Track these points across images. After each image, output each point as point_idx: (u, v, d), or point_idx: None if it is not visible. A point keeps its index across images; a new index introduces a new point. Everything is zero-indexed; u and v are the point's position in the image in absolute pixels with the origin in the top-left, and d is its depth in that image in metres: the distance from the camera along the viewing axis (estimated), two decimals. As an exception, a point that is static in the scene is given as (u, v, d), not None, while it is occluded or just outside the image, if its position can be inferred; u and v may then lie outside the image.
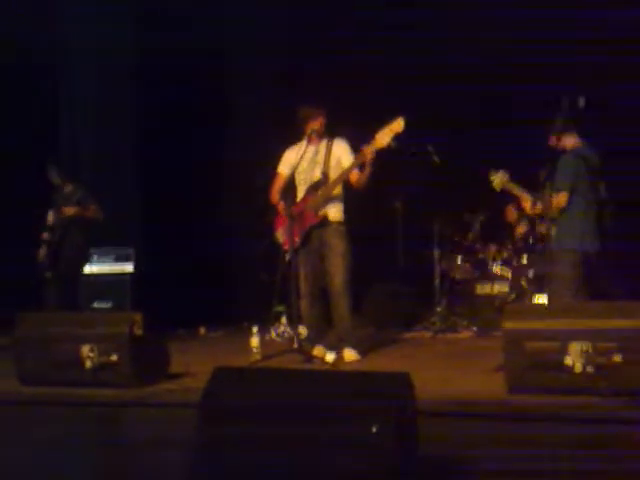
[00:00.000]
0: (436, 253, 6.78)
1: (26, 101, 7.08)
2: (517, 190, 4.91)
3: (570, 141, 4.80)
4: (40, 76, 7.33)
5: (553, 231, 4.85)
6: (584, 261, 4.65)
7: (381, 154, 4.86)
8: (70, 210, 6.29)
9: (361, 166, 4.96)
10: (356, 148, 5.06)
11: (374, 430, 2.51)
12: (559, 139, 4.80)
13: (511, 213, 6.70)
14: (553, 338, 3.61)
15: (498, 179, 4.93)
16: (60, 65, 7.81)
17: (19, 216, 6.59)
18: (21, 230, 6.47)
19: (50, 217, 6.41)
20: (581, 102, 4.80)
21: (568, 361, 3.55)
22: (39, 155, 6.71)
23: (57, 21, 7.70)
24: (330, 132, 5.19)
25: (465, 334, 6.34)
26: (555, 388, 3.59)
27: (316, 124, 5.11)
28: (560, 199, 4.66)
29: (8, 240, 6.58)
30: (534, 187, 5.18)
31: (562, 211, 4.71)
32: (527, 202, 4.88)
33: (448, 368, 4.77)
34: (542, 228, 5.57)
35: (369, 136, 4.86)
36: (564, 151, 4.80)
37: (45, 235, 6.39)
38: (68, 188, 6.47)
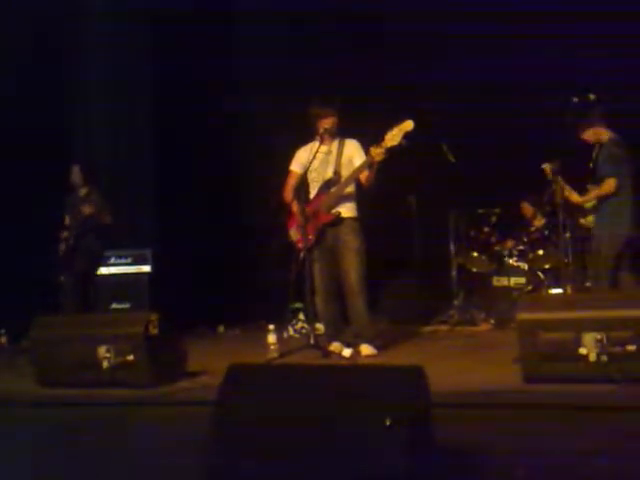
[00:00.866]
0: (452, 247, 6.76)
1: (42, 110, 7.14)
2: (561, 182, 5.22)
3: (605, 132, 5.11)
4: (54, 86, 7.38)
5: (592, 219, 5.23)
6: (630, 243, 4.99)
7: (393, 152, 4.87)
8: (88, 209, 6.26)
9: (370, 165, 4.98)
10: (367, 148, 5.07)
11: (387, 423, 2.51)
12: (595, 132, 5.11)
13: (527, 208, 6.73)
14: (567, 328, 3.61)
15: (548, 169, 5.25)
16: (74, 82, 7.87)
17: (34, 218, 6.63)
18: (38, 233, 6.52)
19: (67, 219, 6.44)
20: (591, 97, 4.88)
21: (582, 350, 3.55)
22: (55, 160, 6.78)
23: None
24: (342, 132, 5.21)
25: (483, 327, 6.34)
26: (570, 377, 3.59)
27: (328, 123, 5.13)
28: (610, 185, 4.96)
29: (25, 244, 6.63)
30: (544, 181, 5.25)
31: (609, 197, 4.99)
32: (571, 193, 5.20)
33: (465, 360, 4.79)
34: (580, 218, 5.67)
35: (379, 136, 4.88)
36: (599, 142, 5.11)
37: (64, 234, 6.41)
38: (83, 191, 6.48)
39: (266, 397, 3.20)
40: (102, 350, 4.30)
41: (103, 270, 6.83)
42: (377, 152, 4.85)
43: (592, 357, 3.54)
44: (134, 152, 7.88)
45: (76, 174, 6.44)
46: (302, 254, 5.09)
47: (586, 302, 3.82)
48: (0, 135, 6.85)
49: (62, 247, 6.39)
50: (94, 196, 6.36)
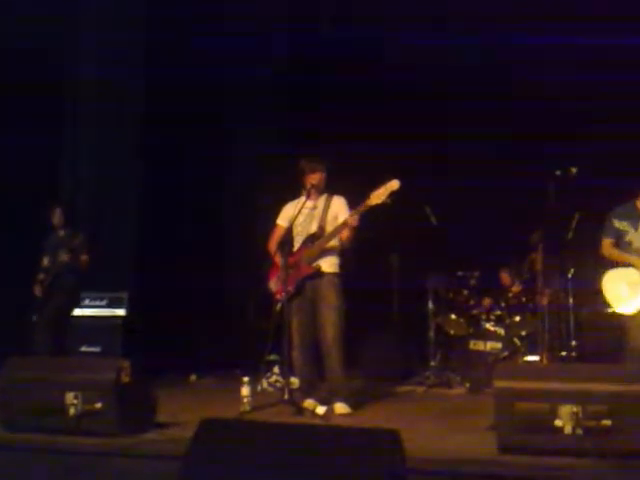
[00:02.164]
0: (430, 308, 6.77)
1: (30, 142, 7.12)
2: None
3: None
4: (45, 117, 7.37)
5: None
6: None
7: (377, 210, 4.92)
8: (64, 256, 6.24)
9: (350, 224, 5.01)
10: (353, 206, 5.13)
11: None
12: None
13: (505, 277, 6.82)
14: (543, 399, 3.60)
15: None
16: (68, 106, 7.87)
17: (11, 257, 6.56)
18: (13, 271, 6.45)
19: (45, 261, 6.39)
20: (573, 170, 5.00)
21: (558, 423, 3.54)
22: (38, 201, 6.74)
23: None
24: (330, 189, 5.27)
25: (458, 390, 6.30)
26: (545, 449, 3.56)
27: (315, 178, 5.18)
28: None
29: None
30: (527, 250, 5.31)
31: None
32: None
33: (440, 425, 4.73)
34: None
35: (364, 194, 4.95)
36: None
37: (40, 276, 6.37)
38: (63, 232, 6.44)
39: (236, 455, 3.14)
40: (70, 396, 4.20)
41: (77, 311, 6.73)
42: (350, 220, 4.94)
43: (567, 430, 3.53)
44: (116, 196, 7.85)
45: (57, 216, 6.43)
46: (280, 306, 5.07)
47: (563, 373, 3.81)
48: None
49: (38, 288, 6.34)
50: (75, 238, 6.33)
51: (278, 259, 5.16)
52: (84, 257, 6.33)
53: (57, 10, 7.30)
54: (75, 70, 7.81)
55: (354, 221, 4.94)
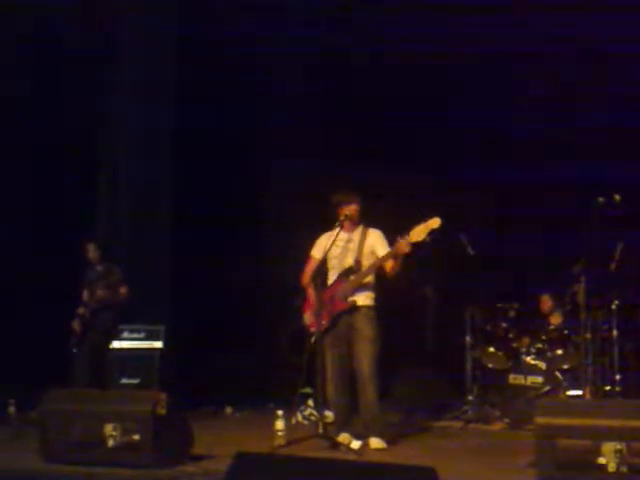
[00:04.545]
0: (468, 341, 6.67)
1: (65, 177, 7.28)
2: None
3: None
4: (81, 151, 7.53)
5: None
6: None
7: (416, 248, 4.89)
8: (101, 291, 6.49)
9: (394, 257, 4.98)
10: (389, 238, 5.11)
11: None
12: None
13: (546, 301, 6.67)
14: (586, 436, 3.50)
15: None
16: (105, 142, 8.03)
17: (53, 290, 6.69)
18: (54, 305, 6.57)
19: (84, 295, 6.60)
20: (617, 197, 4.89)
21: (601, 460, 3.44)
22: (74, 230, 6.89)
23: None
24: (365, 221, 5.25)
25: (497, 425, 6.16)
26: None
27: (349, 210, 5.16)
28: None
29: (40, 315, 6.65)
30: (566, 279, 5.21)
31: None
32: None
33: (478, 463, 4.62)
34: None
35: (403, 229, 4.90)
36: None
37: (81, 310, 6.56)
38: (100, 267, 6.65)
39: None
40: (109, 428, 4.25)
41: (115, 344, 6.83)
42: (403, 245, 4.85)
43: (611, 467, 3.44)
44: (152, 228, 7.94)
45: (91, 251, 6.64)
46: (314, 339, 5.04)
47: (607, 409, 3.71)
48: (17, 202, 6.96)
49: (77, 322, 6.51)
50: (112, 274, 6.49)
51: (312, 292, 5.15)
52: (123, 289, 6.47)
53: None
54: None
55: (405, 247, 4.84)
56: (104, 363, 6.55)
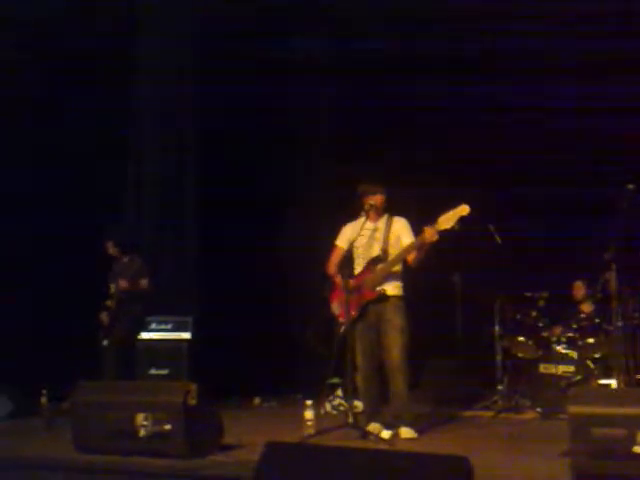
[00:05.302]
0: (497, 330, 6.61)
1: (95, 175, 7.34)
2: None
3: None
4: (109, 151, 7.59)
5: None
6: None
7: (443, 235, 4.85)
8: (123, 284, 6.61)
9: (420, 246, 4.95)
10: (414, 227, 5.07)
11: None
12: None
13: (579, 288, 6.60)
14: (621, 425, 3.45)
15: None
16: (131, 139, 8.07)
17: (83, 284, 6.76)
18: (84, 298, 6.65)
19: (112, 287, 6.71)
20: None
21: (637, 449, 3.39)
22: (103, 221, 6.95)
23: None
24: (390, 210, 5.22)
25: (528, 415, 6.11)
26: (623, 476, 3.43)
27: (375, 200, 5.13)
28: None
29: (71, 307, 6.73)
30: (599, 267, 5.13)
31: None
32: None
33: (510, 452, 4.59)
34: None
35: (429, 217, 4.88)
36: None
37: (109, 302, 6.69)
38: (125, 259, 6.78)
39: (302, 479, 3.12)
40: (140, 418, 4.29)
41: (144, 335, 6.89)
42: (431, 234, 4.82)
43: (647, 456, 3.37)
44: (180, 221, 7.99)
45: (111, 248, 6.78)
46: (343, 329, 5.03)
47: (641, 398, 3.66)
48: (44, 197, 7.02)
49: (105, 314, 6.63)
50: (135, 266, 6.62)
51: (339, 281, 5.13)
52: (143, 281, 6.55)
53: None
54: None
55: (432, 237, 4.80)
56: (132, 354, 6.62)
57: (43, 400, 5.85)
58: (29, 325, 6.76)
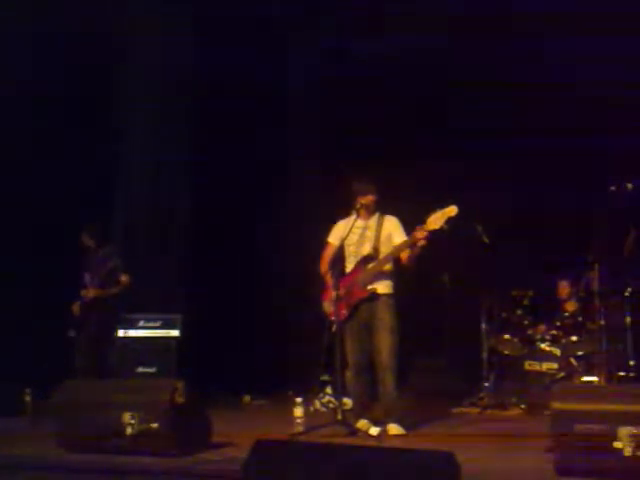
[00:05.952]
0: (484, 328, 6.68)
1: (84, 166, 7.31)
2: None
3: None
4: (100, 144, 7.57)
5: None
6: None
7: (433, 236, 4.90)
8: (91, 292, 6.41)
9: (412, 245, 5.00)
10: (405, 227, 5.12)
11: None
12: None
13: (564, 287, 6.68)
14: (603, 421, 3.51)
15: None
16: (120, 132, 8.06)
17: (66, 281, 6.70)
18: (69, 296, 6.59)
19: (86, 279, 6.50)
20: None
21: (617, 445, 3.45)
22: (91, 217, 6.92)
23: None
24: (381, 209, 5.26)
25: (514, 411, 6.18)
26: (604, 472, 3.48)
27: (366, 199, 5.17)
28: None
29: (55, 306, 6.68)
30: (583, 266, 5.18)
31: None
32: None
33: (495, 447, 4.65)
34: None
35: (419, 217, 4.92)
36: None
37: (83, 292, 6.49)
38: (102, 252, 6.56)
39: (290, 476, 3.15)
40: (127, 416, 4.28)
41: (131, 332, 6.86)
42: (421, 234, 4.87)
43: (627, 452, 3.44)
44: (170, 216, 7.99)
45: (86, 240, 6.59)
46: (334, 327, 5.07)
47: (623, 394, 3.72)
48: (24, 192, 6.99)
49: (77, 305, 6.44)
50: (111, 260, 6.45)
51: (330, 279, 5.16)
52: (124, 278, 6.45)
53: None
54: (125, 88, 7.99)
55: (422, 235, 4.86)
56: (107, 351, 6.50)
57: (27, 399, 5.83)
58: (13, 323, 6.69)
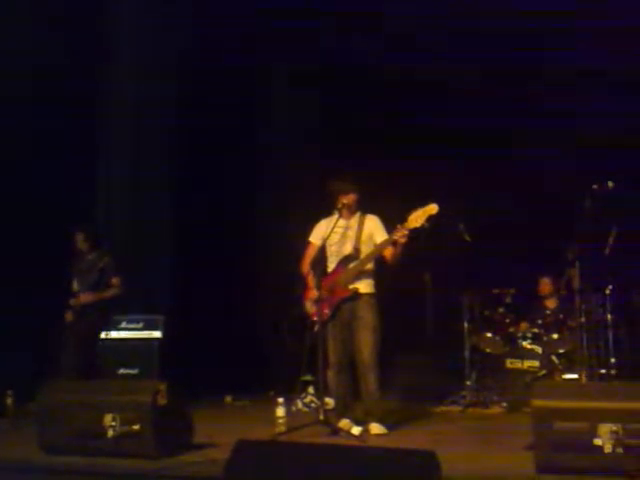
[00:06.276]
0: (466, 326, 6.71)
1: (64, 165, 7.24)
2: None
3: None
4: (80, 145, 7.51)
5: None
6: None
7: (413, 234, 4.91)
8: (86, 297, 6.33)
9: (394, 243, 5.01)
10: (387, 225, 5.12)
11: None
12: None
13: (545, 284, 6.73)
14: (583, 418, 3.54)
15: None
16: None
17: (51, 282, 6.65)
18: (52, 298, 6.53)
19: (74, 285, 6.46)
20: (610, 184, 4.91)
21: (597, 442, 3.48)
22: (73, 218, 6.85)
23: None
24: (362, 208, 5.26)
25: (495, 409, 6.22)
26: (584, 469, 3.51)
27: (347, 199, 5.18)
28: None
29: (38, 307, 6.61)
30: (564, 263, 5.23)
31: None
32: None
33: (477, 445, 4.69)
34: None
35: (400, 215, 4.93)
36: None
37: (72, 301, 6.42)
38: (92, 255, 6.49)
39: (272, 476, 3.15)
40: (108, 418, 4.26)
41: (113, 334, 6.81)
42: (401, 232, 4.88)
43: (607, 449, 3.47)
44: (152, 217, 7.95)
45: (80, 241, 6.49)
46: (316, 327, 5.07)
47: (603, 392, 3.76)
48: (12, 194, 6.92)
49: (70, 314, 6.38)
50: (102, 262, 6.37)
51: (311, 279, 5.15)
52: (115, 280, 6.40)
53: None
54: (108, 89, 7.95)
55: (403, 233, 4.87)
56: (94, 352, 6.43)
57: (9, 401, 5.78)
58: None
